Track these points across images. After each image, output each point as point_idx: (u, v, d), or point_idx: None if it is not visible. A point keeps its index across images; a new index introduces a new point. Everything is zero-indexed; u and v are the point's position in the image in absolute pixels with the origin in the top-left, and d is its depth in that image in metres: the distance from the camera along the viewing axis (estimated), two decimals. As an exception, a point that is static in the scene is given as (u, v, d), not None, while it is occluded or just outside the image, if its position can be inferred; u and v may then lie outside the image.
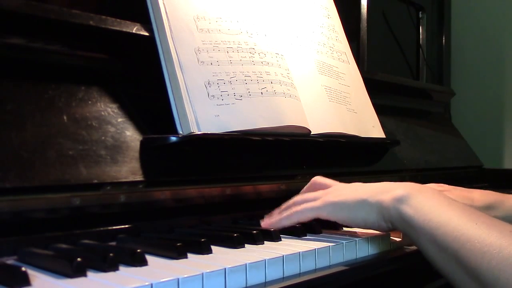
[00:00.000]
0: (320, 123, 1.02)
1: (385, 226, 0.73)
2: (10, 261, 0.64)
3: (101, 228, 0.74)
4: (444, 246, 0.63)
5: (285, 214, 0.79)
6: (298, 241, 0.75)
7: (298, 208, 0.78)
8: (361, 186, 0.78)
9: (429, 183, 1.02)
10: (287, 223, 0.79)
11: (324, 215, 0.77)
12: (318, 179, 0.86)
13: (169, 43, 0.85)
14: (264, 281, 0.62)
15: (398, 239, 0.82)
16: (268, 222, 0.80)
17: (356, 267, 0.72)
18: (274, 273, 0.63)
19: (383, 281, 0.78)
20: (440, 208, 0.66)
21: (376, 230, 0.76)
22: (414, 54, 1.87)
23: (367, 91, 1.20)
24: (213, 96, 0.85)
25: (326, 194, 0.79)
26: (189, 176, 0.84)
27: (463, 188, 1.00)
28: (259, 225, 0.82)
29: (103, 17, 0.82)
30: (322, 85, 1.08)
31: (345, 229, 0.85)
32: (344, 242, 0.73)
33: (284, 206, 0.82)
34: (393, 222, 0.71)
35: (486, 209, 0.91)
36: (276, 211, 0.82)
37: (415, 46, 1.87)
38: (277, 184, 0.97)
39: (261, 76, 0.92)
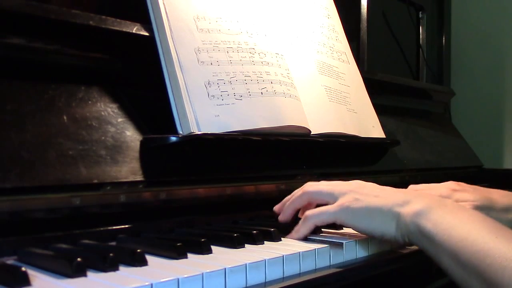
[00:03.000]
0: (320, 123, 1.02)
1: (402, 242, 0.71)
2: (10, 261, 0.64)
3: (101, 228, 0.74)
4: (465, 262, 0.61)
5: (300, 222, 0.77)
6: (298, 241, 0.75)
7: (314, 212, 0.76)
8: (380, 191, 0.76)
9: (431, 183, 1.02)
10: (305, 231, 0.77)
11: (341, 221, 0.75)
12: (310, 187, 0.82)
13: (169, 43, 0.85)
14: (264, 281, 0.62)
15: None
16: (291, 236, 0.78)
17: (356, 267, 0.72)
18: (274, 273, 0.63)
19: (383, 281, 0.78)
20: (460, 222, 0.65)
21: (392, 243, 0.75)
22: (414, 54, 1.87)
23: (367, 91, 1.20)
24: (213, 96, 0.85)
25: (343, 194, 0.76)
26: (189, 176, 0.84)
27: (482, 187, 0.99)
28: (260, 225, 0.82)
29: (103, 17, 0.82)
30: (322, 85, 1.08)
31: (345, 229, 0.85)
32: (344, 242, 0.73)
33: (295, 197, 0.82)
34: (411, 237, 0.69)
35: (506, 210, 0.90)
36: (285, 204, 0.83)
37: (415, 46, 1.87)
38: (277, 184, 0.97)
39: (261, 76, 0.92)
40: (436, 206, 0.68)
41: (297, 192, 0.82)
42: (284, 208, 0.83)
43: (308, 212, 0.77)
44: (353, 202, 0.74)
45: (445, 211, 0.67)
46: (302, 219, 0.78)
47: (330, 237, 0.78)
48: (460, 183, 0.99)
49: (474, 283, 0.61)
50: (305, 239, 0.77)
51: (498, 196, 0.94)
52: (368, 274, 0.74)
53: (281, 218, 0.84)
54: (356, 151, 1.16)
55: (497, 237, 0.61)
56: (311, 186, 0.81)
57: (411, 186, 1.03)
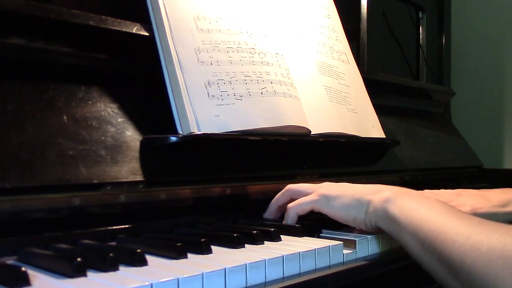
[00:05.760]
0: (320, 123, 1.02)
1: (369, 226, 0.78)
2: (10, 261, 0.64)
3: (101, 228, 0.74)
4: (423, 239, 0.69)
5: (285, 216, 0.86)
6: (298, 241, 0.75)
7: (294, 203, 0.85)
8: (352, 185, 0.84)
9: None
10: (290, 221, 0.85)
11: (318, 207, 0.82)
12: (292, 186, 0.91)
13: (169, 43, 0.85)
14: (264, 281, 0.62)
15: None
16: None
17: (356, 267, 0.72)
18: (274, 273, 0.63)
19: (383, 281, 0.78)
20: (421, 207, 0.73)
21: (362, 228, 0.80)
22: (414, 54, 1.86)
23: (367, 91, 1.20)
24: (213, 96, 0.85)
25: (319, 187, 0.85)
26: (189, 176, 0.84)
27: (479, 190, 1.08)
28: (260, 225, 0.82)
29: (103, 17, 0.82)
30: (322, 85, 1.08)
31: (345, 229, 0.85)
32: (344, 241, 0.73)
33: (279, 195, 0.91)
34: (378, 222, 0.76)
35: (503, 206, 1.00)
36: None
37: (415, 46, 1.87)
38: (277, 184, 0.97)
39: (261, 76, 0.92)
40: (401, 194, 0.76)
41: (280, 192, 0.91)
42: (269, 205, 0.91)
43: (289, 205, 0.86)
44: (329, 191, 0.83)
45: (410, 198, 0.75)
46: (286, 213, 0.86)
47: (330, 237, 0.78)
48: (465, 189, 1.08)
49: (428, 257, 0.68)
50: (305, 238, 0.77)
51: (494, 194, 1.04)
52: (368, 274, 0.74)
53: (266, 214, 0.92)
54: (356, 151, 1.16)
55: (451, 217, 0.69)
56: (293, 185, 0.90)
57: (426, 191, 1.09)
